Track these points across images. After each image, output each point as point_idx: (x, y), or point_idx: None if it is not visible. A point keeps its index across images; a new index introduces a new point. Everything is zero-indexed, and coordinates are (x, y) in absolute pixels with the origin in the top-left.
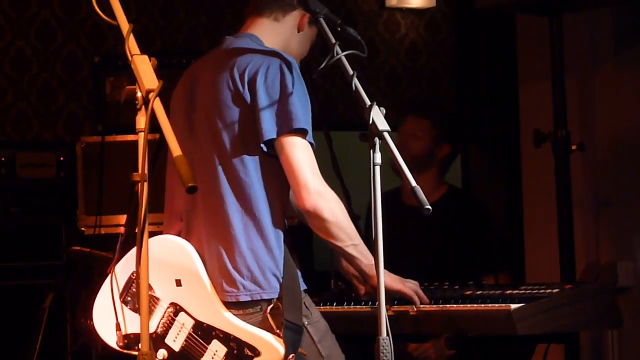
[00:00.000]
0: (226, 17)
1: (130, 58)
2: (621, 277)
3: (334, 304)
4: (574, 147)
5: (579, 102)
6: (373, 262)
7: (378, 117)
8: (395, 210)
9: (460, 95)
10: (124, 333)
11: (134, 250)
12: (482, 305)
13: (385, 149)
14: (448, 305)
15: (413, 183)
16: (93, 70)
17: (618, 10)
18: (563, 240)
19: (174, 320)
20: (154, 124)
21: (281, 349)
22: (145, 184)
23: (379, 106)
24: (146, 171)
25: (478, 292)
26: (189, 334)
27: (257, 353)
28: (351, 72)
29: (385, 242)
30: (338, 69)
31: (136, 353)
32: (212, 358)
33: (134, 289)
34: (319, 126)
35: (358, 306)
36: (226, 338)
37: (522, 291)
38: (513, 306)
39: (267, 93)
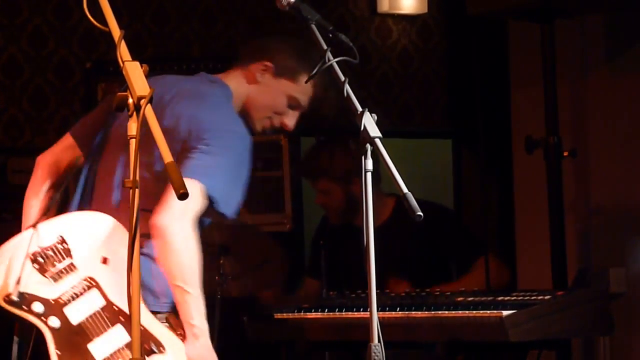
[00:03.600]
0: (218, 23)
1: (121, 64)
2: (613, 284)
3: (326, 311)
4: (565, 154)
5: (570, 108)
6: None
7: (369, 123)
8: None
9: (452, 102)
10: (21, 290)
11: (66, 217)
12: (474, 311)
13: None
14: (440, 312)
15: (404, 189)
16: (85, 76)
17: (610, 17)
18: (555, 246)
19: (83, 293)
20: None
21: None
22: (137, 190)
23: (370, 112)
24: (138, 177)
25: (470, 299)
26: (97, 312)
27: (160, 350)
28: (343, 78)
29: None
30: (330, 75)
31: (19, 313)
32: (111, 341)
33: (50, 253)
34: (311, 132)
35: (349, 312)
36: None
37: (514, 298)
38: (505, 313)
39: None
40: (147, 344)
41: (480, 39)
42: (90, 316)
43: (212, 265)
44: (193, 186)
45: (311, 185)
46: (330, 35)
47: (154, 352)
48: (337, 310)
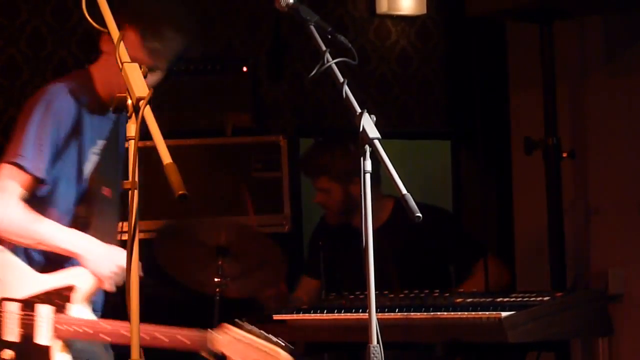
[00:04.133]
0: (215, 23)
1: (120, 66)
2: (612, 285)
3: (324, 312)
4: (564, 155)
5: (569, 109)
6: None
7: (368, 124)
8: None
9: (451, 103)
10: None
11: None
12: (473, 312)
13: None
14: (439, 313)
15: (404, 191)
16: None
17: (608, 18)
18: (554, 247)
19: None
20: (144, 132)
21: None
22: (136, 191)
23: (369, 113)
24: (137, 179)
25: (469, 300)
26: (19, 315)
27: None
28: (342, 79)
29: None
30: (329, 76)
31: None
32: (44, 319)
33: None
34: (311, 133)
35: (348, 314)
36: (45, 296)
37: (513, 299)
38: (504, 314)
39: None
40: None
41: (479, 40)
42: (19, 324)
43: (210, 266)
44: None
45: (311, 183)
46: (329, 37)
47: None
48: (335, 311)
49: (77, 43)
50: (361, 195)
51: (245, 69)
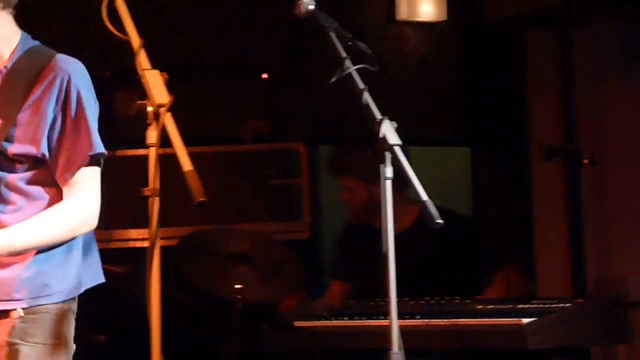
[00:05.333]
0: (233, 30)
1: (140, 72)
2: (633, 292)
3: (345, 319)
4: (585, 161)
5: (588, 115)
6: None
7: (389, 131)
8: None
9: (469, 109)
10: None
11: None
12: (494, 319)
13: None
14: (459, 320)
15: (424, 197)
16: (103, 84)
17: (628, 25)
18: (574, 254)
19: None
20: (164, 139)
21: None
22: (157, 198)
23: (389, 120)
24: (157, 185)
25: (490, 307)
26: None
27: None
28: (361, 86)
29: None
30: (347, 82)
31: None
32: None
33: None
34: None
35: (370, 320)
36: None
37: (534, 305)
38: (525, 320)
39: None
40: None
41: (497, 47)
42: None
43: (230, 273)
44: None
45: (337, 181)
46: (349, 43)
47: None
48: (356, 318)
49: (96, 50)
50: (382, 202)
51: (264, 76)
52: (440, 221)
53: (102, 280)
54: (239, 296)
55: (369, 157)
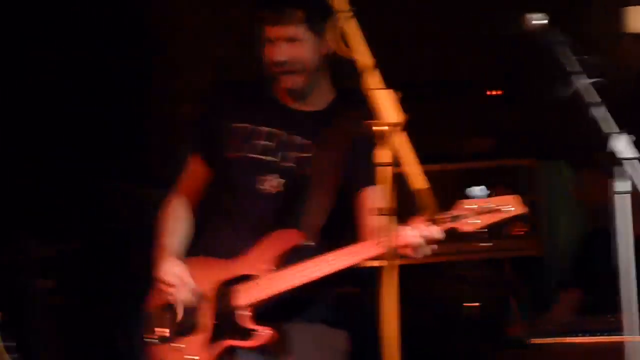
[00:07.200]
0: (455, 48)
1: (371, 92)
2: None
3: (585, 335)
4: None
5: None
6: None
7: (622, 144)
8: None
9: None
10: None
11: None
12: None
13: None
14: None
15: None
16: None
17: None
18: None
19: None
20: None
21: None
22: (394, 217)
23: (625, 134)
24: (394, 205)
25: None
26: None
27: None
28: (593, 100)
29: None
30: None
31: None
32: None
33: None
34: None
35: (611, 336)
36: None
37: None
38: None
39: None
40: None
41: None
42: None
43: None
44: None
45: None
46: (577, 57)
47: None
48: (597, 334)
49: None
50: (613, 220)
51: (488, 92)
52: None
53: None
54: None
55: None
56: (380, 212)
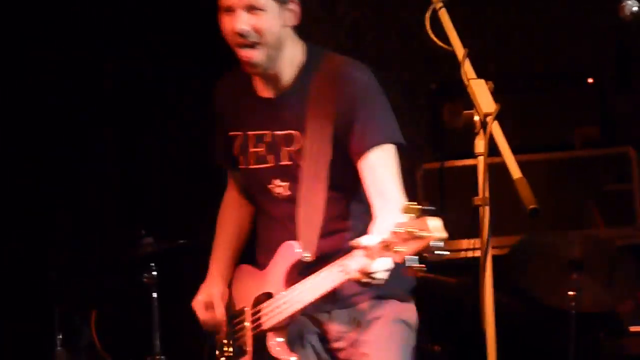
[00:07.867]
0: (558, 37)
1: (466, 82)
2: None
3: None
4: None
5: None
6: None
7: None
8: None
9: None
10: None
11: None
12: None
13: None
14: None
15: None
16: (430, 97)
17: None
18: None
19: None
20: (492, 147)
21: None
22: (487, 207)
23: None
24: (487, 194)
25: None
26: None
27: None
28: None
29: None
30: None
31: None
32: None
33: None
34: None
35: None
36: None
37: None
38: None
39: None
40: None
41: None
42: None
43: (564, 281)
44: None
45: None
46: None
47: None
48: None
49: (422, 64)
50: None
51: (590, 80)
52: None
53: None
54: (572, 303)
55: None
56: (475, 202)
